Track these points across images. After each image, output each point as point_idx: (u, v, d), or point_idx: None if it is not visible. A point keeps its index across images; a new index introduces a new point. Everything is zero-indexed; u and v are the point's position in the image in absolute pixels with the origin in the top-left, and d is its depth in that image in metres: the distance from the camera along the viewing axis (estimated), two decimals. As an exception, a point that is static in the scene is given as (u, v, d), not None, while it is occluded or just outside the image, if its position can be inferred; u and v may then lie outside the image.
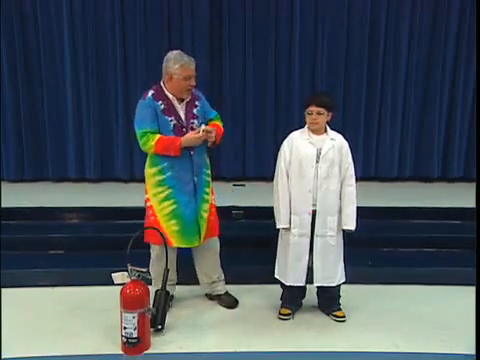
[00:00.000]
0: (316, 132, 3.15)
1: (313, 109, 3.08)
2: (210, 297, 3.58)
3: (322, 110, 3.07)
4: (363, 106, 6.08)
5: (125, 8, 5.78)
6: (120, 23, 5.79)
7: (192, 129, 3.17)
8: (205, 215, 3.30)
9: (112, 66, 5.91)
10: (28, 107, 5.96)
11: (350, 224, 3.13)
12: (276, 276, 3.35)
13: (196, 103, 3.26)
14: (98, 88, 5.93)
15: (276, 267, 3.36)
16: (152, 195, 3.22)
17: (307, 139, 3.14)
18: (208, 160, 3.38)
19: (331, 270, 3.21)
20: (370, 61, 6.00)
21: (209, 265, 3.46)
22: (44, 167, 6.09)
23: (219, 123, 3.40)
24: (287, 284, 3.27)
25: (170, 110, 3.13)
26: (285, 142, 3.23)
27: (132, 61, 5.90)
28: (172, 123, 3.11)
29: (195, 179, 3.22)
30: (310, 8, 5.88)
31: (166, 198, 3.19)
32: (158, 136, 3.07)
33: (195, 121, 3.21)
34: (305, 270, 3.19)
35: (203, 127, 3.10)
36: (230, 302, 3.52)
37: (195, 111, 3.24)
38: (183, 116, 3.16)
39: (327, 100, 3.13)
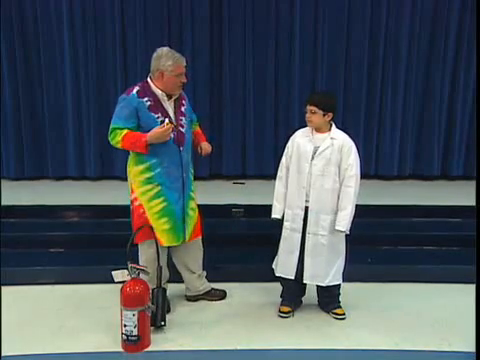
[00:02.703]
0: (318, 130, 3.16)
1: (307, 107, 3.11)
2: (195, 299, 3.54)
3: (314, 109, 3.07)
4: (363, 105, 6.10)
5: (125, 8, 5.79)
6: (120, 23, 5.80)
7: (182, 126, 3.17)
8: (191, 213, 3.31)
9: (112, 66, 5.92)
10: (28, 105, 5.97)
11: (342, 225, 3.09)
12: (273, 266, 3.38)
13: (183, 102, 3.26)
14: (98, 88, 5.95)
15: (275, 257, 3.39)
16: (140, 193, 3.17)
17: (308, 137, 3.16)
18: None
19: (321, 269, 3.19)
20: (370, 59, 6.01)
21: (195, 261, 3.45)
22: (44, 165, 6.10)
23: (199, 129, 3.49)
24: (276, 274, 3.32)
25: (157, 107, 3.09)
26: (291, 138, 3.27)
27: (132, 61, 5.90)
28: (159, 120, 3.06)
29: (184, 175, 3.21)
30: (310, 7, 5.88)
31: (156, 196, 3.15)
32: (125, 131, 3.03)
33: (184, 118, 3.20)
34: (295, 264, 3.20)
35: (167, 121, 3.06)
36: (220, 294, 3.56)
37: (183, 109, 3.23)
38: (172, 113, 3.14)
39: (322, 99, 3.11)
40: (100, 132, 5.93)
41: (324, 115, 3.08)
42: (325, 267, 3.19)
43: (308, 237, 3.16)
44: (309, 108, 3.09)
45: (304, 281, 3.24)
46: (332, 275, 3.22)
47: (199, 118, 3.58)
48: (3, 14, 5.69)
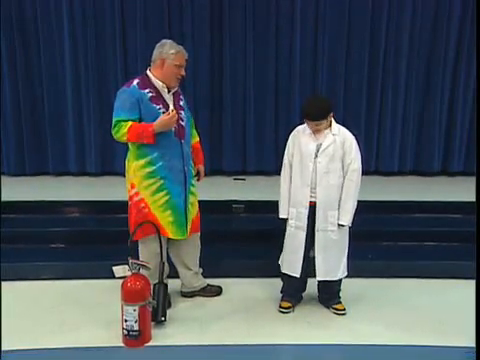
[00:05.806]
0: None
1: (310, 123, 3.09)
2: (190, 295, 3.53)
3: (319, 122, 3.06)
4: (364, 100, 6.09)
5: (125, 8, 5.79)
6: (120, 23, 5.80)
7: (181, 120, 3.18)
8: (190, 208, 3.30)
9: (112, 66, 5.91)
10: (28, 102, 5.97)
11: (344, 219, 3.12)
12: (279, 262, 3.38)
13: (180, 97, 3.29)
14: (98, 86, 5.94)
15: (281, 254, 3.39)
16: (143, 188, 3.14)
17: (309, 133, 3.15)
18: None
19: (333, 264, 3.22)
20: (371, 59, 6.00)
21: (192, 258, 3.45)
22: (45, 161, 6.10)
23: (198, 143, 3.48)
24: (282, 271, 3.32)
25: (158, 98, 3.09)
26: (291, 135, 3.26)
27: (132, 61, 5.89)
28: (161, 111, 3.06)
29: (185, 168, 3.21)
30: (311, 6, 5.88)
31: (158, 189, 3.14)
32: (130, 123, 3.00)
33: (182, 112, 3.21)
34: (300, 262, 3.21)
35: (172, 107, 3.08)
36: (216, 290, 3.56)
37: (181, 103, 3.25)
38: (171, 106, 3.14)
39: (320, 112, 3.04)
40: (101, 128, 5.94)
41: (327, 120, 3.09)
42: (336, 261, 3.22)
43: (318, 234, 3.16)
44: (313, 123, 3.07)
45: (317, 278, 3.25)
46: (342, 268, 3.27)
47: (197, 119, 3.57)
48: (3, 14, 5.69)
